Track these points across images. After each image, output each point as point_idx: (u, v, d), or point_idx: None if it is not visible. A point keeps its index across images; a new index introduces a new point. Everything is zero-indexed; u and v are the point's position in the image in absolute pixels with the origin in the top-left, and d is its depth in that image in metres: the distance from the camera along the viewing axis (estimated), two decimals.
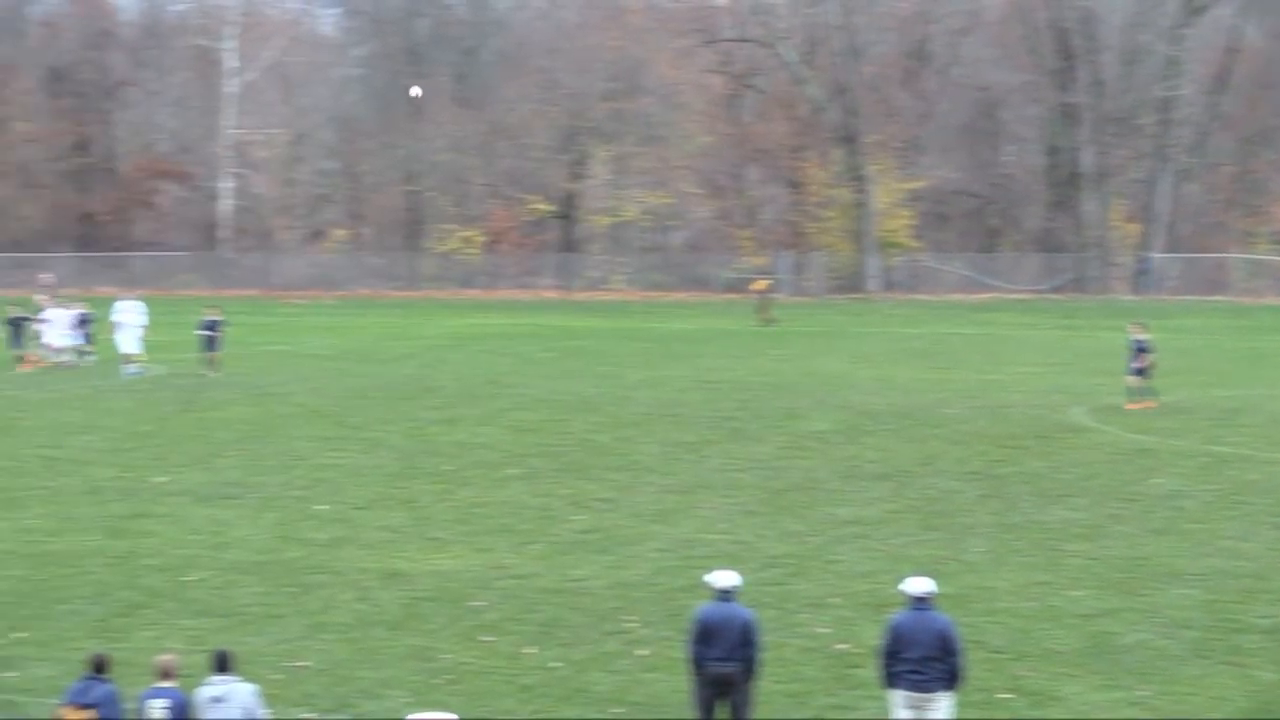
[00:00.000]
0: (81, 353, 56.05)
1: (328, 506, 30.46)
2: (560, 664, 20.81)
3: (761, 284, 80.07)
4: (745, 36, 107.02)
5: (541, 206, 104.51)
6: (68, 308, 56.81)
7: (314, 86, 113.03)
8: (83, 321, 56.41)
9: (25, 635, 22.00)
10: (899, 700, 17.17)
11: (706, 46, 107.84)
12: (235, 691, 16.46)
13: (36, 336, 56.10)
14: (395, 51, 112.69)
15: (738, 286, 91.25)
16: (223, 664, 16.68)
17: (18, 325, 56.09)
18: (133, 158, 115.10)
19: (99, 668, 16.64)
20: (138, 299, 56.07)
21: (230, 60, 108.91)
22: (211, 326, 52.90)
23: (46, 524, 29.01)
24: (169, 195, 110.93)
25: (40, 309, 57.03)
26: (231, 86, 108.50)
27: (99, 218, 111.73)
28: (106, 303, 58.49)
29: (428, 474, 33.97)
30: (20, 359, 55.28)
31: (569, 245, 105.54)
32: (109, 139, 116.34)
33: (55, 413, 43.61)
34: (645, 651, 21.26)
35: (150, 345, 55.29)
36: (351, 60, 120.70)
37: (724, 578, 17.88)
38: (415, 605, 23.52)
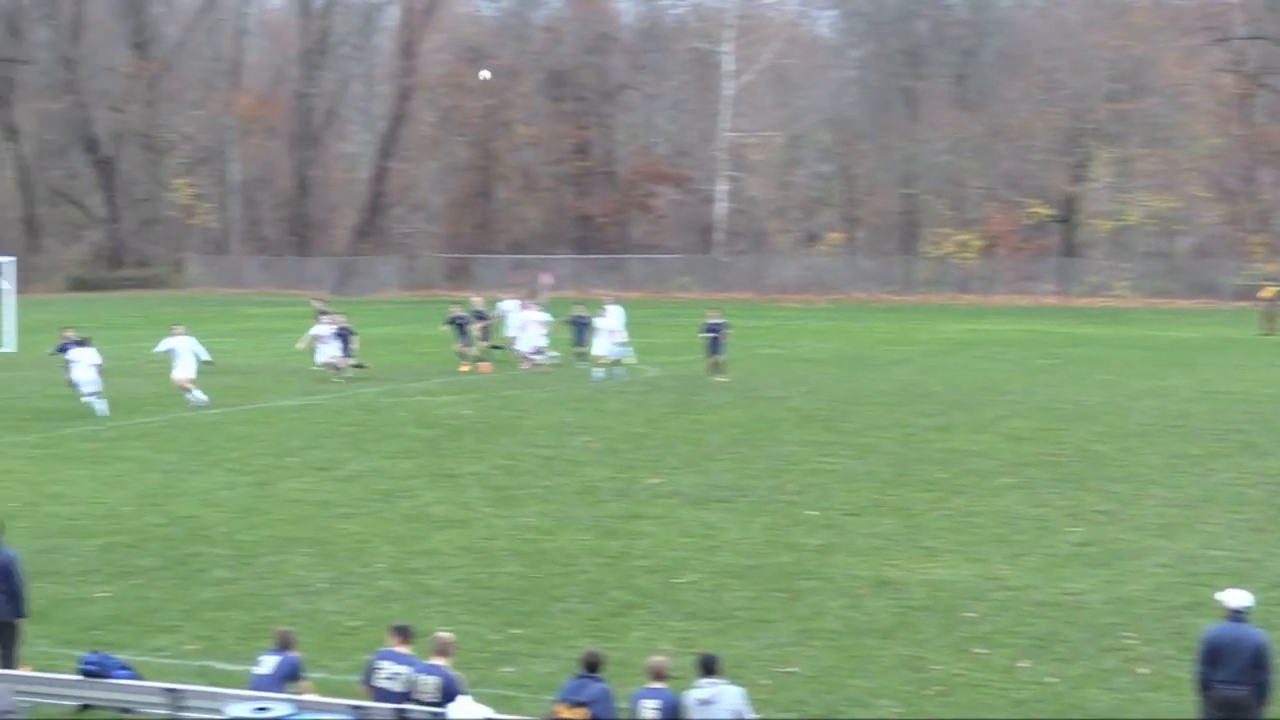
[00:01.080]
0: (577, 354, 57.08)
1: (818, 512, 30.51)
2: (1056, 679, 20.42)
3: (1270, 291, 77.50)
4: (1260, 34, 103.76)
5: (1041, 210, 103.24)
6: (535, 308, 57.73)
7: (810, 88, 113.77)
8: (578, 324, 57.40)
9: (521, 632, 22.57)
10: None
11: (1217, 44, 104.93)
12: (724, 694, 16.60)
13: (485, 336, 57.24)
14: (893, 52, 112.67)
15: (1247, 294, 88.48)
16: (709, 667, 16.85)
17: (461, 325, 57.18)
18: (631, 161, 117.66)
19: (592, 666, 16.97)
20: (615, 303, 56.81)
21: (728, 63, 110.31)
22: (715, 330, 52.87)
23: (542, 522, 29.75)
24: (665, 198, 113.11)
25: (480, 310, 58.34)
26: (728, 89, 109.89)
27: (597, 220, 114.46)
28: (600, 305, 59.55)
29: (920, 481, 33.76)
30: (465, 357, 56.18)
31: (1069, 250, 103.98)
32: (608, 142, 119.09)
33: (553, 413, 44.74)
34: (1146, 670, 20.71)
35: (644, 348, 56.23)
36: (848, 62, 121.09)
37: (1236, 597, 17.28)
38: (906, 614, 23.37)
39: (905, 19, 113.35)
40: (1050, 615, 23.25)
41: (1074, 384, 51.64)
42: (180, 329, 47.47)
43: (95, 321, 72.79)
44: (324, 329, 53.43)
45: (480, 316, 58.10)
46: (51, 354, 48.99)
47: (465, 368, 55.46)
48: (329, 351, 52.88)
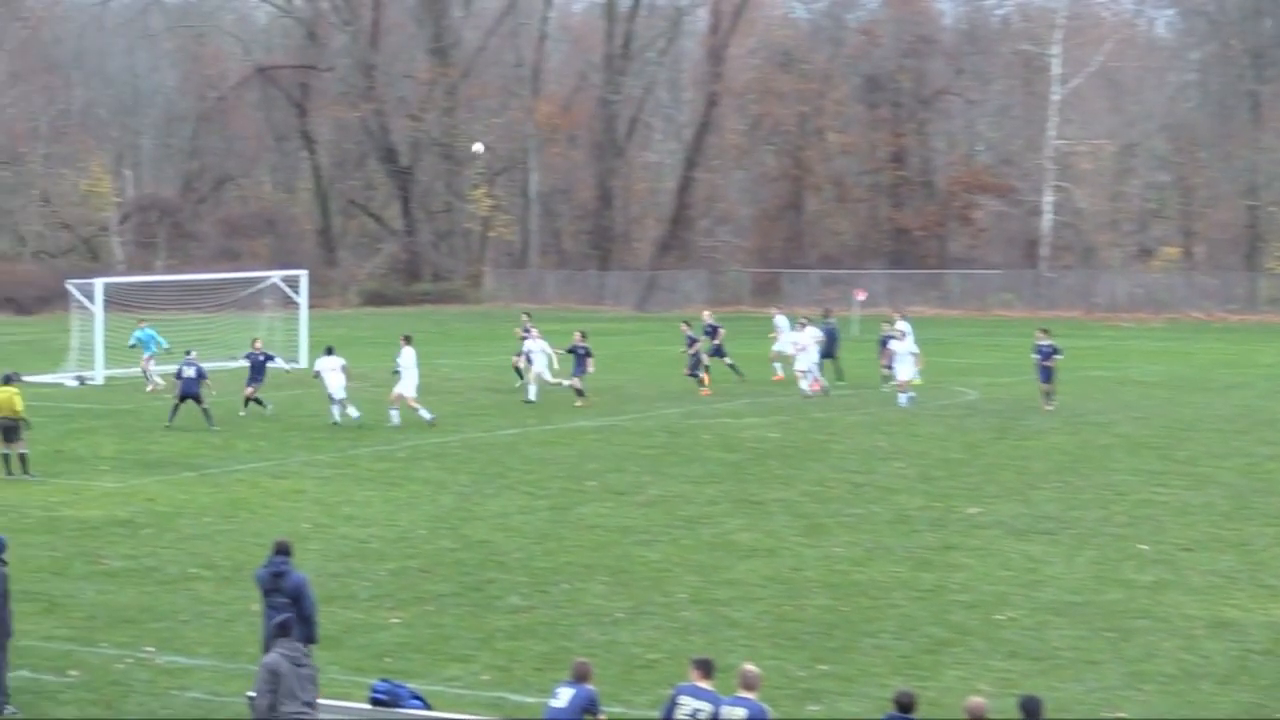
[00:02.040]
0: (886, 377, 56.40)
1: (1150, 546, 30.02)
2: None
3: None
4: None
5: None
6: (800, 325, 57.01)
7: (1145, 92, 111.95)
8: (884, 342, 56.88)
9: (829, 668, 22.51)
10: None
11: None
12: None
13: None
14: (1236, 54, 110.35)
15: None
16: (1031, 710, 16.63)
17: (691, 344, 56.30)
18: (950, 170, 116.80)
19: (905, 706, 16.85)
20: (903, 318, 56.15)
21: (1056, 66, 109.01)
22: (1046, 353, 51.27)
23: (852, 553, 29.65)
24: (987, 210, 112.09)
25: (710, 325, 57.99)
26: (1056, 94, 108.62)
27: (913, 233, 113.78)
28: (919, 323, 58.97)
29: (1263, 515, 33.05)
30: (699, 379, 55.63)
31: None
32: (926, 150, 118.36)
33: (864, 437, 44.58)
34: None
35: (964, 368, 55.69)
36: (1187, 64, 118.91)
37: None
38: (1246, 658, 22.88)
39: (1250, 18, 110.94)
40: None
41: None
42: (404, 339, 48.47)
43: (389, 337, 74.15)
44: (534, 344, 53.94)
45: (711, 332, 57.87)
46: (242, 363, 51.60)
47: (706, 391, 54.97)
48: (539, 366, 53.28)
